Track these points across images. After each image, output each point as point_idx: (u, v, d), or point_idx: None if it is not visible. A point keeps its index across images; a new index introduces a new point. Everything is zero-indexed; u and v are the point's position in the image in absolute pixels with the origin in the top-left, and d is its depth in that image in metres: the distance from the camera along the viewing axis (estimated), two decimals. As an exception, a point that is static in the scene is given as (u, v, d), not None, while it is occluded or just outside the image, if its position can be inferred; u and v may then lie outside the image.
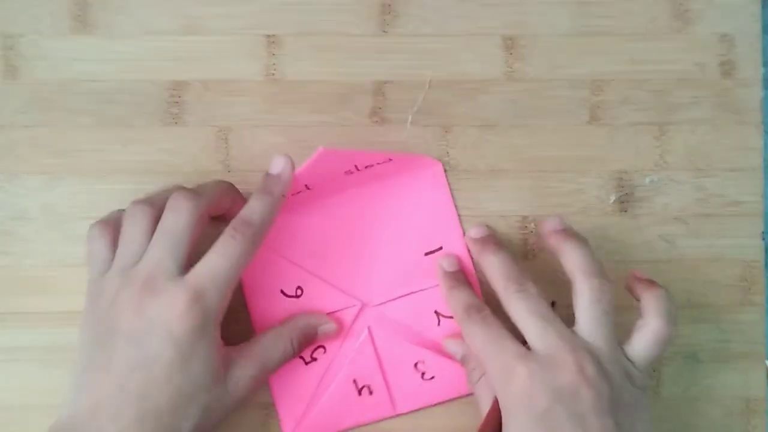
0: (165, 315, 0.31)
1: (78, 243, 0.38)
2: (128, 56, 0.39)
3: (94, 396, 0.31)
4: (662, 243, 0.39)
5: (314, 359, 0.38)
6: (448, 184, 0.39)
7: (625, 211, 0.39)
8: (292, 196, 0.36)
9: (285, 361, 0.35)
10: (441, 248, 0.38)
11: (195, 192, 0.34)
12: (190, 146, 0.39)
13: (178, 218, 0.32)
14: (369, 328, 0.38)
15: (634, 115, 0.39)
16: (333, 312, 0.38)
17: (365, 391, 0.38)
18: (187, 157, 0.39)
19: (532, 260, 0.39)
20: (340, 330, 0.38)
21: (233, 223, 0.33)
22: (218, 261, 0.32)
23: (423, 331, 0.38)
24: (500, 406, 0.32)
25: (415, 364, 0.38)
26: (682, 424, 0.39)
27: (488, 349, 0.33)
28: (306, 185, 0.36)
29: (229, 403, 0.33)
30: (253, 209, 0.34)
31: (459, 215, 0.39)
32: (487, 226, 0.38)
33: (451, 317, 0.38)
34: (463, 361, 0.36)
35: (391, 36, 0.39)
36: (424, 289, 0.38)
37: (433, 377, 0.38)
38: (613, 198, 0.39)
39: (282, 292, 0.38)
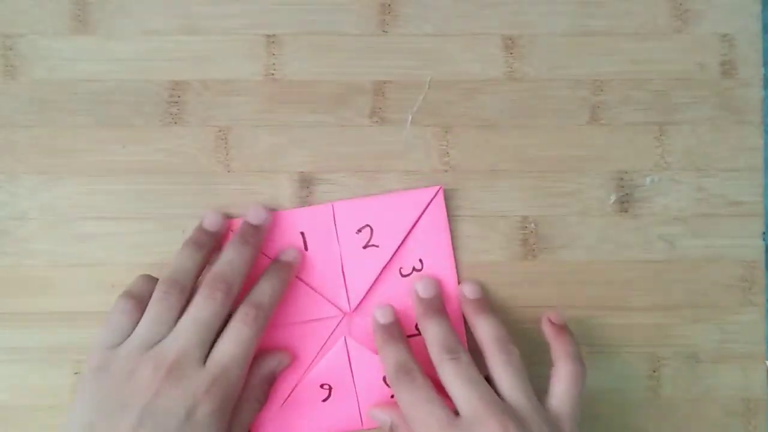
0: (187, 401, 0.32)
1: (77, 243, 0.38)
2: (128, 56, 0.39)
3: None
4: (662, 243, 0.39)
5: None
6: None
7: (626, 212, 0.39)
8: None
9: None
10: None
11: (229, 283, 0.34)
12: (190, 146, 0.39)
13: (211, 309, 0.34)
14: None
15: (634, 115, 0.39)
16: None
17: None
18: (187, 157, 0.39)
19: (532, 260, 0.39)
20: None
21: (245, 307, 0.34)
22: (234, 348, 0.33)
23: None
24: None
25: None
26: (682, 424, 0.39)
27: (415, 413, 0.32)
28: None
29: None
30: (264, 291, 0.35)
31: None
32: (435, 284, 0.38)
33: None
34: (392, 430, 0.36)
35: (391, 36, 0.39)
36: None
37: None
38: (613, 198, 0.39)
39: None
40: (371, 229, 0.38)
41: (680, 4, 0.40)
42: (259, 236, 0.37)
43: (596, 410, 0.39)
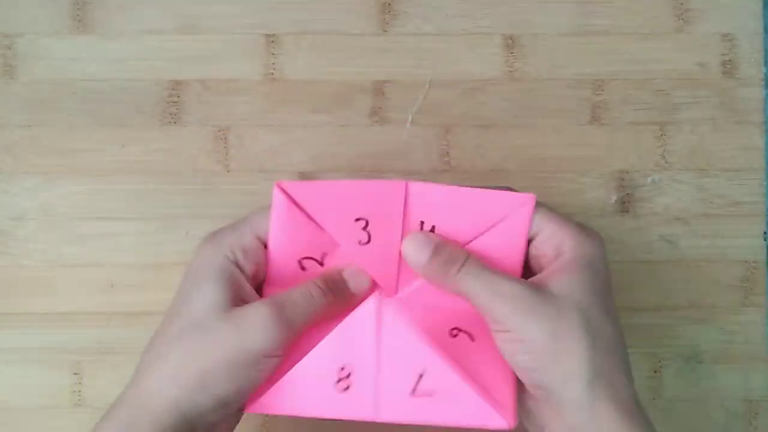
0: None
1: (77, 243, 0.38)
2: (127, 56, 0.39)
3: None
4: (663, 243, 0.39)
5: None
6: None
7: (627, 212, 0.39)
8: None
9: (312, 308, 0.31)
10: None
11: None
12: (189, 146, 0.39)
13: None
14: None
15: (635, 115, 0.39)
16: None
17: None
18: (186, 157, 0.38)
19: (532, 261, 0.39)
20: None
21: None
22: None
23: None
24: (572, 258, 0.30)
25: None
26: (684, 425, 0.39)
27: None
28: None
29: (253, 354, 0.29)
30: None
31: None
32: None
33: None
34: (434, 255, 0.31)
35: (391, 35, 0.39)
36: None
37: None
38: (614, 198, 0.39)
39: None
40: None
41: (681, 4, 0.40)
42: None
43: (597, 411, 0.39)
